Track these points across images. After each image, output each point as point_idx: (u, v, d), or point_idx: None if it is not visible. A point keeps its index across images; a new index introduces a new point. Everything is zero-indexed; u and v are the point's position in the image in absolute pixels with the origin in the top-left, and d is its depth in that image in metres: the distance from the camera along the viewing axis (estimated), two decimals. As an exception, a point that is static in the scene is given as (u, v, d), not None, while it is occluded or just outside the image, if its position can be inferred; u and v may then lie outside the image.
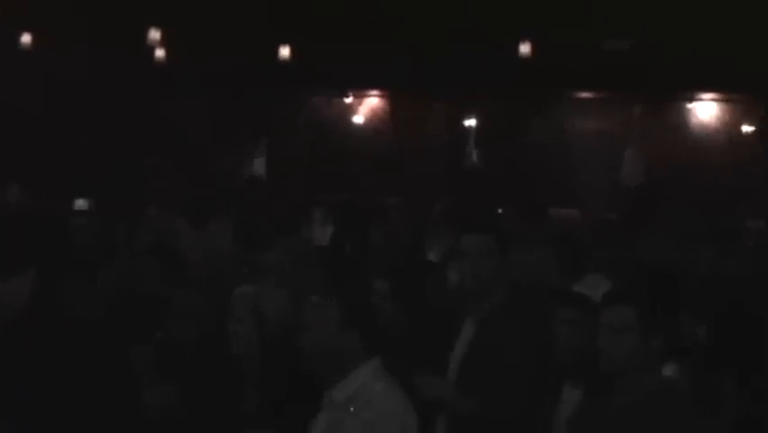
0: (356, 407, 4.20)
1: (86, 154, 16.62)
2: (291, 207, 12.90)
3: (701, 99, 18.81)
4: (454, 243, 6.14)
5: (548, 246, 6.75)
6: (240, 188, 15.52)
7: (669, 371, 4.79)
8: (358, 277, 6.62)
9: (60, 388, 3.65)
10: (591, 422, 4.25)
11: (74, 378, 3.68)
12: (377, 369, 4.32)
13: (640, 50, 14.93)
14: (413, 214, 12.12)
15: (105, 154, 16.78)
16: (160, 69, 15.68)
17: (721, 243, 8.95)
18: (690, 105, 18.95)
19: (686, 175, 17.54)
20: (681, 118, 18.98)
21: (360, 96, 19.80)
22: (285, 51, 15.10)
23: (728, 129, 18.69)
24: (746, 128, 18.45)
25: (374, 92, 19.74)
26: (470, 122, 19.03)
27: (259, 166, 18.99)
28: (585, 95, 18.87)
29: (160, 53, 15.25)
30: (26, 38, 14.86)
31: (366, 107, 19.92)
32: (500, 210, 13.40)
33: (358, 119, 19.80)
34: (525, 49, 14.27)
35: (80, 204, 13.19)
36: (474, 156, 18.96)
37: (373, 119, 19.84)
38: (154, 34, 14.42)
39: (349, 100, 19.86)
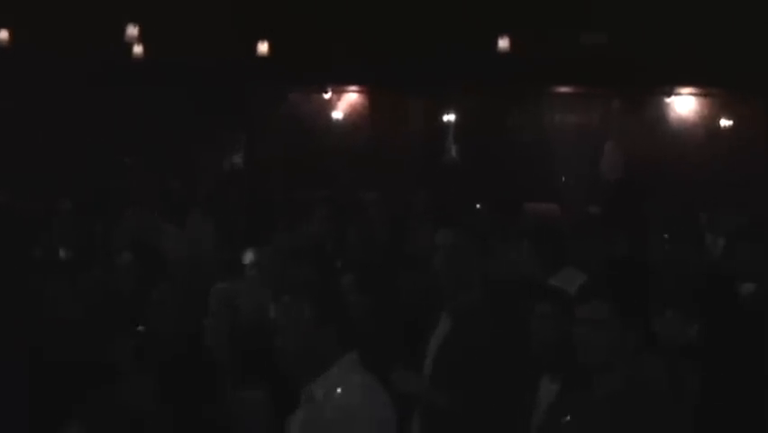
0: (334, 402, 4.20)
1: (65, 153, 16.54)
2: (273, 203, 12.84)
3: (680, 93, 18.88)
4: (431, 237, 6.14)
5: (526, 240, 6.75)
6: (219, 185, 15.46)
7: (645, 364, 4.80)
8: (335, 274, 6.61)
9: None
10: (569, 415, 4.25)
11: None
12: (354, 363, 4.31)
13: (618, 44, 14.98)
14: (391, 209, 12.09)
15: (83, 153, 16.70)
16: (139, 66, 15.64)
17: (700, 237, 8.95)
18: (668, 100, 19.02)
19: (665, 169, 17.60)
20: (660, 112, 19.05)
21: (338, 91, 19.78)
22: (263, 47, 15.08)
23: (707, 123, 18.77)
24: (725, 122, 18.53)
25: (353, 88, 19.73)
26: (449, 117, 19.04)
27: (237, 162, 18.95)
28: (564, 89, 18.91)
29: (138, 49, 15.20)
30: (2, 34, 14.80)
31: (344, 103, 19.90)
32: (478, 205, 13.39)
33: (337, 115, 19.78)
34: (503, 44, 14.30)
35: (59, 203, 13.11)
36: (453, 151, 18.97)
37: (352, 115, 19.82)
38: (132, 30, 14.39)
39: (327, 96, 19.84)
